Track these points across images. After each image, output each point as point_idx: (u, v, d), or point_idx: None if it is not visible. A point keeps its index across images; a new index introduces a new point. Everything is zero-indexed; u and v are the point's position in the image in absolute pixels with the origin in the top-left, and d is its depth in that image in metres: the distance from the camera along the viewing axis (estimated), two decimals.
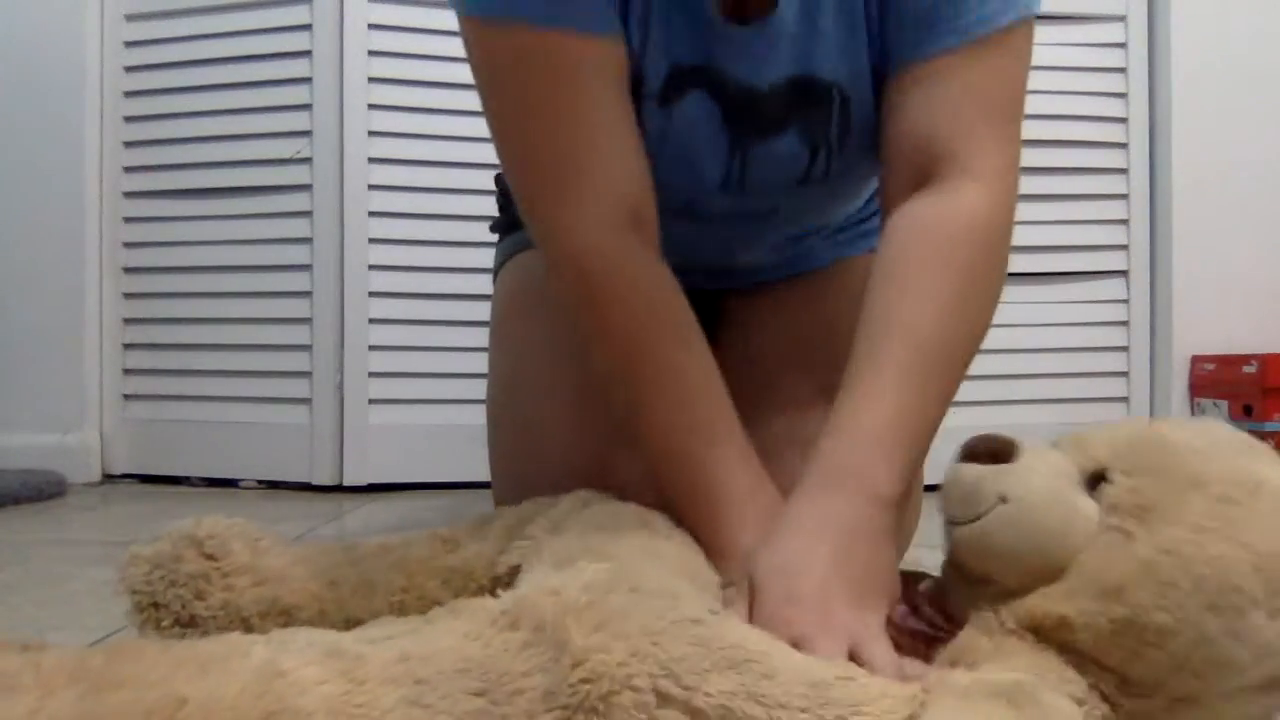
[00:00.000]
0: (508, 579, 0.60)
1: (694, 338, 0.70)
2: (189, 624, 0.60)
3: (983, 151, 0.68)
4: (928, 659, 0.55)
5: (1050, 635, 0.51)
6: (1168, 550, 0.48)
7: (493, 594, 0.51)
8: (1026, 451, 0.54)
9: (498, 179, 1.09)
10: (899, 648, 0.55)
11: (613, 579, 0.49)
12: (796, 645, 0.52)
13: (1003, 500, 0.52)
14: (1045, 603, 0.51)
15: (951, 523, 0.55)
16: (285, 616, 0.61)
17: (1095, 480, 0.53)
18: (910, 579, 0.61)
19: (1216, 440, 0.53)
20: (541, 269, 0.93)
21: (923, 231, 0.68)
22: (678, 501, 0.67)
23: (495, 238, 1.10)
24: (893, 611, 0.58)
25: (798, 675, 0.44)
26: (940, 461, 0.57)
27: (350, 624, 0.49)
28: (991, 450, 0.54)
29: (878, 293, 0.67)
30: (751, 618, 0.56)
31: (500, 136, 0.73)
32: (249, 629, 0.59)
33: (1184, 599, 0.48)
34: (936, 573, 0.61)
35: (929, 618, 0.58)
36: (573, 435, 0.80)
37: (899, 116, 0.71)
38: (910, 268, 0.67)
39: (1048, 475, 0.53)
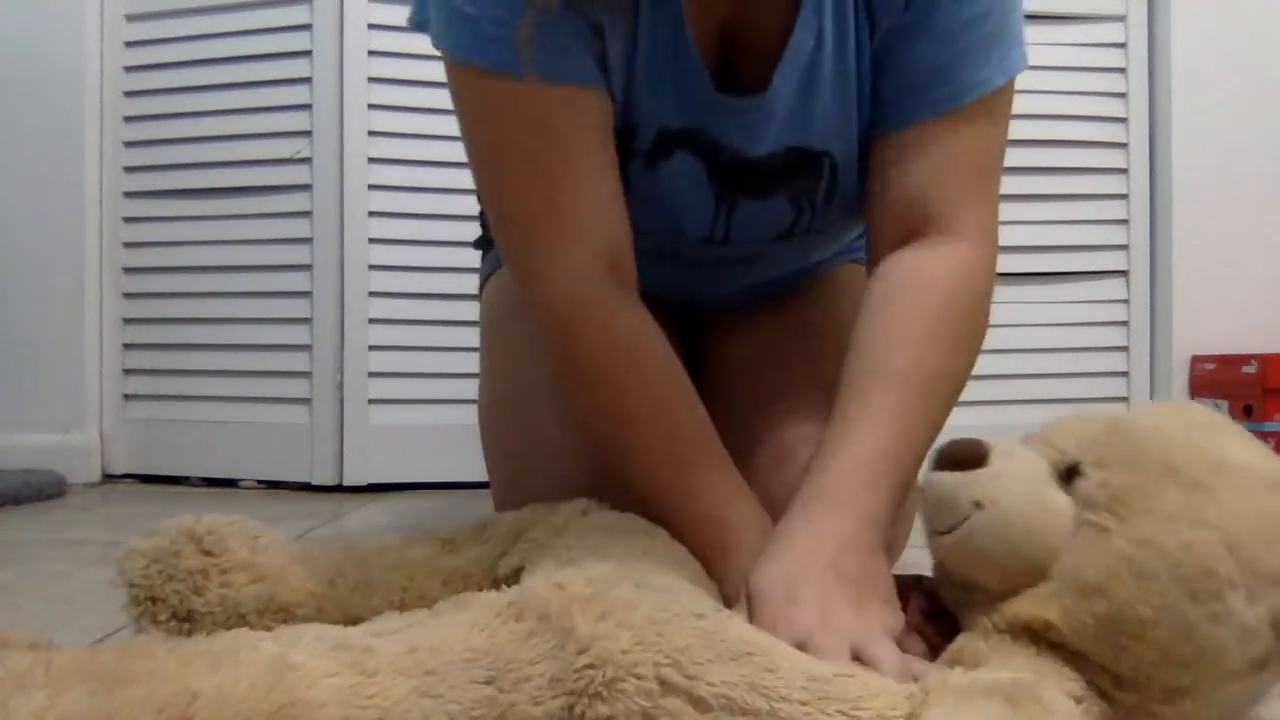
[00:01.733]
0: (509, 581, 0.60)
1: (675, 374, 0.71)
2: (186, 619, 0.60)
3: (966, 212, 0.71)
4: (930, 658, 0.56)
5: (1040, 636, 0.51)
6: (1143, 541, 0.49)
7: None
8: (996, 454, 0.54)
9: (480, 197, 1.09)
10: (901, 647, 0.55)
11: (617, 574, 0.49)
12: (800, 646, 0.52)
13: (978, 507, 0.53)
14: (1030, 605, 0.51)
15: (933, 533, 0.56)
16: (283, 614, 0.61)
17: (1068, 474, 0.53)
18: (913, 584, 0.62)
19: (1185, 421, 0.53)
20: None
21: (911, 275, 0.70)
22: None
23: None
24: (901, 624, 0.58)
25: (799, 669, 0.44)
26: None
27: (349, 623, 0.49)
28: (962, 455, 0.54)
29: (866, 331, 0.69)
30: (752, 620, 0.56)
31: (480, 176, 0.73)
32: (247, 626, 0.59)
33: (1163, 589, 0.48)
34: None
35: (938, 628, 0.58)
36: (569, 441, 0.79)
37: (886, 180, 0.73)
38: (898, 309, 0.69)
39: (1020, 477, 0.53)
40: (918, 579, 0.62)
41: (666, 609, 0.45)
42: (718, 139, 0.74)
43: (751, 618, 0.57)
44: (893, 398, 0.65)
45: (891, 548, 0.67)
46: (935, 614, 0.59)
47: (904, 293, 0.70)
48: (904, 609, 0.60)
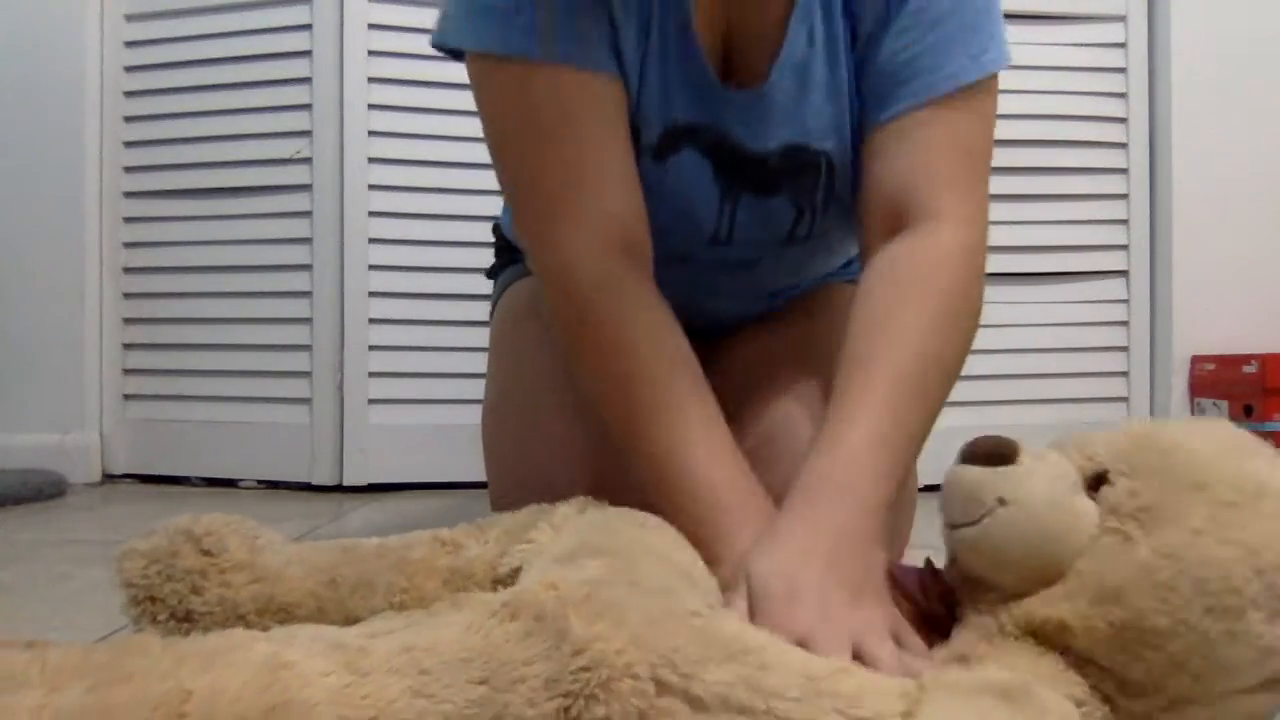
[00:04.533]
0: (508, 581, 0.60)
1: (682, 351, 0.72)
2: (185, 619, 0.60)
3: (953, 199, 0.72)
4: (927, 650, 0.56)
5: (1050, 638, 0.51)
6: (1167, 554, 0.48)
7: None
8: (1026, 453, 0.54)
9: (495, 229, 1.11)
10: (898, 644, 0.55)
11: (611, 574, 0.49)
12: (801, 643, 0.52)
13: (1002, 503, 0.52)
14: (1044, 606, 0.51)
15: (951, 526, 0.56)
16: (283, 614, 0.61)
17: (1096, 482, 0.53)
18: (922, 570, 0.61)
19: (1220, 441, 0.53)
20: (538, 287, 0.94)
21: (901, 265, 0.71)
22: (670, 513, 0.67)
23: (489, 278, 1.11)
24: (899, 621, 0.58)
25: (794, 667, 0.45)
26: (943, 462, 0.57)
27: (349, 622, 0.49)
28: (991, 451, 0.54)
29: (860, 322, 0.70)
30: (753, 617, 0.56)
31: (501, 163, 0.76)
32: (246, 626, 0.59)
33: (1183, 602, 0.48)
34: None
35: (941, 591, 0.58)
36: (567, 433, 0.80)
37: (874, 172, 0.75)
38: (890, 298, 0.70)
39: (1047, 478, 0.53)
40: (930, 565, 0.62)
41: (661, 608, 0.45)
42: (721, 133, 0.78)
43: (752, 613, 0.57)
44: (886, 388, 0.66)
45: (893, 538, 0.68)
46: (938, 598, 0.59)
47: (895, 281, 0.71)
48: (904, 599, 0.60)
